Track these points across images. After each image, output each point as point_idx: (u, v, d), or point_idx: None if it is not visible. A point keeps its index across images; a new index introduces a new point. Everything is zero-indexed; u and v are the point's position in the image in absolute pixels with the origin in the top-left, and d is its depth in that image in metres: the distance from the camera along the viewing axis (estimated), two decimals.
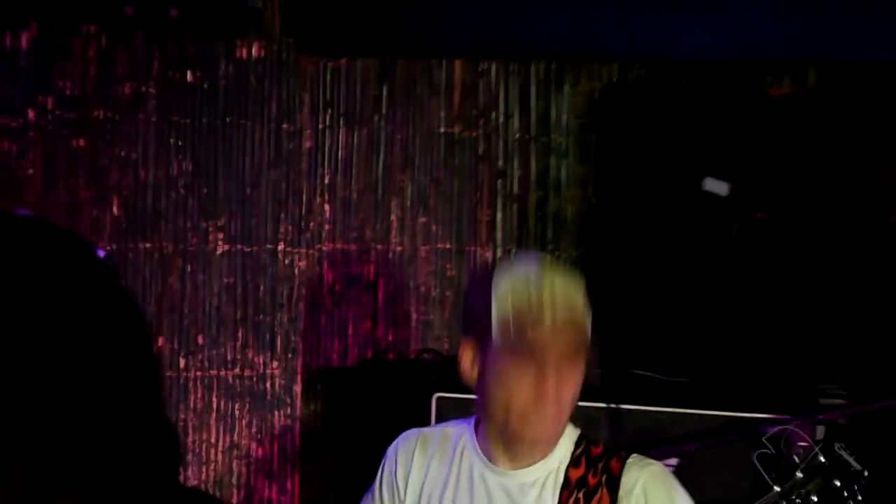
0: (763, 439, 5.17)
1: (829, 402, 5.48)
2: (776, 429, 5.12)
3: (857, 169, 6.40)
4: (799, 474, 4.27)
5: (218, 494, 6.36)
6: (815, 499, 4.23)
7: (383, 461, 4.23)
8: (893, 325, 6.51)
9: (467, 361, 3.73)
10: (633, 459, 3.86)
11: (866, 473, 4.27)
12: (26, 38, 5.70)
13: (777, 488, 4.25)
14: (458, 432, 4.06)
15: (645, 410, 5.51)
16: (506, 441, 3.79)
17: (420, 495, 4.05)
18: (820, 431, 5.25)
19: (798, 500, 4.24)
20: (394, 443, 4.23)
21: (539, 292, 3.71)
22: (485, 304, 3.68)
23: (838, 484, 4.22)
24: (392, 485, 4.12)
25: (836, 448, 4.27)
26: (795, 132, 6.27)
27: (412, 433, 4.22)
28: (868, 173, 6.41)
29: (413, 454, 4.08)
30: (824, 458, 4.27)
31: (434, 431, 4.24)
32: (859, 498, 4.24)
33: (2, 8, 5.82)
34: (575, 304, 3.69)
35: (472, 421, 3.99)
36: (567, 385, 3.61)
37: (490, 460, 3.85)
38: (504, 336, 3.62)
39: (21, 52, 5.69)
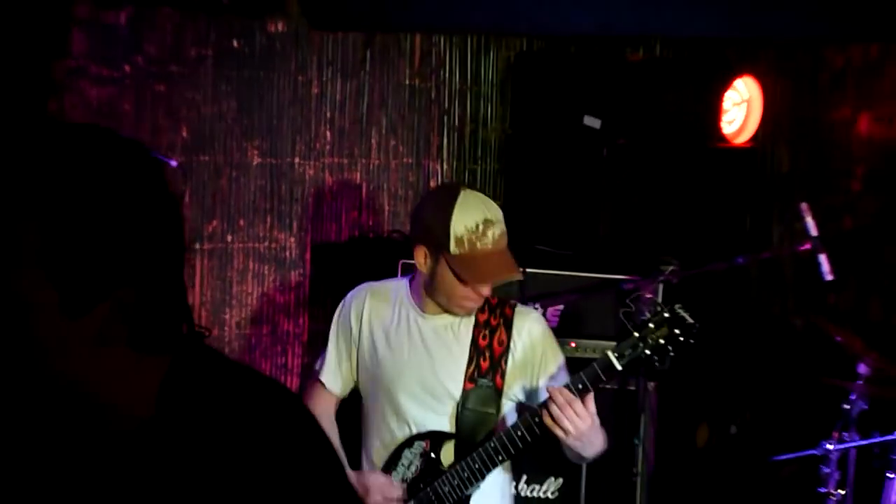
0: (627, 300, 6.06)
1: (666, 268, 6.19)
2: (630, 285, 6.10)
3: (687, 110, 7.08)
4: (651, 325, 4.79)
5: (251, 329, 7.06)
6: (662, 342, 4.74)
7: (339, 307, 5.26)
8: (708, 216, 7.32)
9: (421, 258, 4.75)
10: (520, 308, 5.07)
11: (697, 325, 4.81)
12: (124, 15, 6.24)
13: (636, 333, 4.76)
14: (397, 287, 5.12)
15: (543, 273, 6.47)
16: (438, 306, 4.88)
17: (371, 332, 5.08)
18: (660, 289, 6.20)
19: (650, 342, 4.74)
20: (349, 294, 5.22)
21: (483, 218, 4.72)
22: (442, 223, 4.70)
23: (677, 332, 4.76)
24: (347, 325, 5.17)
25: (676, 307, 4.80)
26: (645, 86, 7.14)
27: (363, 287, 5.21)
28: (694, 113, 7.07)
29: (364, 301, 5.12)
30: (668, 313, 4.77)
31: (379, 285, 5.21)
32: (692, 342, 4.80)
33: None
34: (503, 225, 4.81)
35: (408, 279, 5.12)
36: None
37: (421, 309, 4.94)
38: (458, 248, 4.67)
39: (120, 25, 6.25)
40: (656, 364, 4.81)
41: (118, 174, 2.08)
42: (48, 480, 2.28)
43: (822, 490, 6.09)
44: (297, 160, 7.03)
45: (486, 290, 4.77)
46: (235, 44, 6.71)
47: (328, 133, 7.11)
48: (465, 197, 4.76)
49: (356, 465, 5.10)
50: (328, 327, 5.78)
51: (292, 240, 7.09)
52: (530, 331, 4.93)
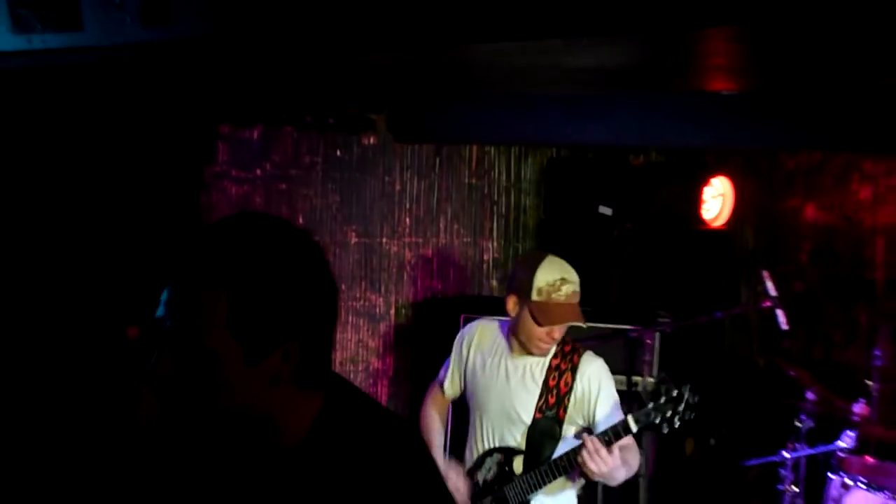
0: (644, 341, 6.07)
1: (662, 320, 6.33)
2: (635, 334, 6.03)
3: (676, 201, 7.11)
4: (663, 399, 4.78)
5: (350, 367, 6.91)
6: (669, 414, 4.71)
7: (460, 333, 5.21)
8: (693, 281, 7.28)
9: (511, 304, 4.73)
10: (587, 355, 4.93)
11: (697, 404, 4.82)
12: (256, 132, 6.30)
13: (650, 404, 4.77)
14: (500, 327, 5.02)
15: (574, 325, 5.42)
16: (522, 347, 4.80)
17: (474, 359, 5.04)
18: (657, 336, 6.28)
19: (661, 413, 4.72)
20: (465, 327, 5.24)
21: (560, 277, 4.70)
22: (528, 276, 4.67)
23: (682, 409, 4.73)
24: (460, 349, 5.12)
25: (684, 388, 4.78)
26: (644, 183, 7.17)
27: (477, 321, 5.22)
28: (682, 204, 7.09)
29: (475, 333, 5.09)
30: (676, 392, 4.75)
31: (488, 322, 5.14)
32: (692, 417, 4.80)
33: (246, 116, 6.24)
34: (576, 285, 4.76)
35: (506, 324, 4.93)
36: (563, 328, 4.70)
37: (510, 349, 4.89)
38: (538, 296, 4.65)
39: (253, 139, 6.30)
40: (663, 430, 4.77)
41: (289, 255, 2.17)
42: (223, 490, 2.38)
43: (781, 487, 6.15)
44: (384, 240, 6.99)
45: (556, 333, 4.76)
46: (338, 153, 6.72)
47: (407, 219, 7.08)
48: (550, 260, 4.77)
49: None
50: (408, 364, 5.89)
51: (381, 300, 7.02)
52: (590, 376, 4.88)
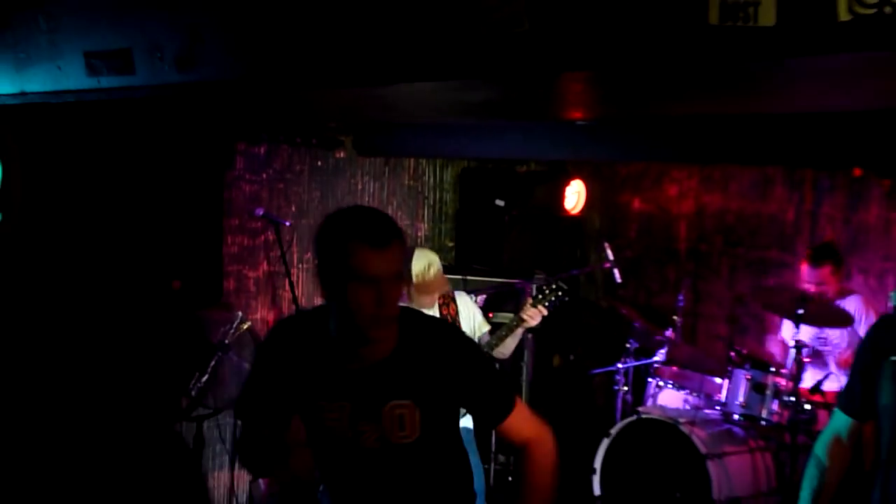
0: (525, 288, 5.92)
1: (539, 276, 6.17)
2: (519, 285, 6.00)
3: (549, 197, 6.93)
4: (548, 287, 4.77)
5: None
6: (555, 292, 4.71)
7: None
8: (560, 250, 7.22)
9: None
10: (456, 292, 4.84)
11: (566, 288, 4.78)
12: (263, 148, 6.11)
13: (544, 288, 4.78)
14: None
15: (474, 279, 6.35)
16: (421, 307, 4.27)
17: None
18: (534, 287, 5.63)
19: (549, 293, 4.71)
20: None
21: (426, 262, 4.51)
22: (406, 268, 4.26)
23: (561, 290, 4.73)
24: None
25: (559, 282, 4.79)
26: (527, 184, 7.03)
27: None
28: (552, 198, 6.88)
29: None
30: (555, 285, 4.74)
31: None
32: (566, 297, 4.77)
33: (255, 137, 6.07)
34: (438, 264, 4.56)
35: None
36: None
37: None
38: (416, 279, 4.45)
39: (260, 153, 6.11)
40: (551, 301, 4.74)
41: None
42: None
43: (616, 388, 6.12)
44: None
45: (434, 298, 4.65)
46: (319, 163, 6.57)
47: (366, 204, 6.85)
48: (417, 253, 4.58)
49: None
50: None
51: None
52: (464, 300, 4.85)
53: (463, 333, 3.02)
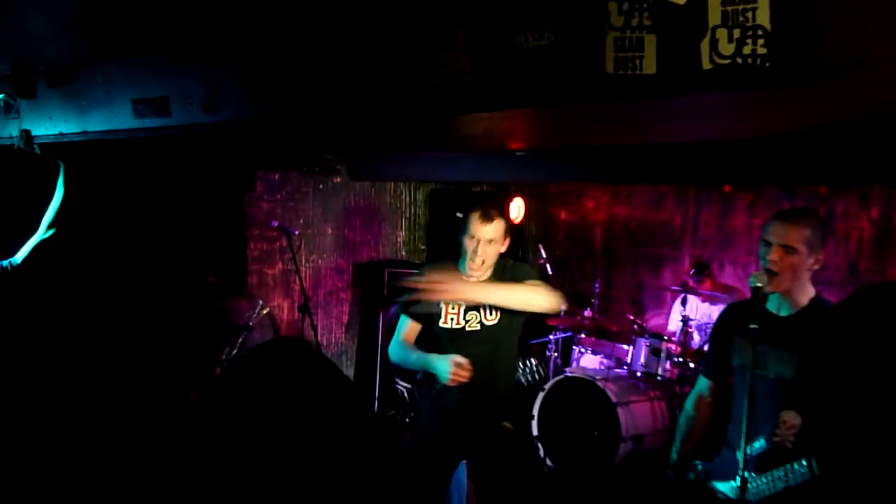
0: None
1: None
2: None
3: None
4: None
5: (333, 298, 6.42)
6: None
7: None
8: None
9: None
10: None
11: None
12: (277, 175, 6.02)
13: None
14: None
15: None
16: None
17: None
18: None
19: None
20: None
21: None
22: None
23: None
24: None
25: None
26: (482, 201, 7.62)
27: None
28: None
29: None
30: None
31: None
32: None
33: (270, 165, 5.88)
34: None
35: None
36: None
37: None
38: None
39: (275, 178, 6.01)
40: None
41: None
42: None
43: (548, 354, 6.01)
44: (346, 231, 6.68)
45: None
46: (321, 186, 6.47)
47: (358, 221, 6.76)
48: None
49: None
50: (358, 295, 5.21)
51: (345, 262, 6.69)
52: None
53: (520, 264, 3.45)
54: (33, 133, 3.71)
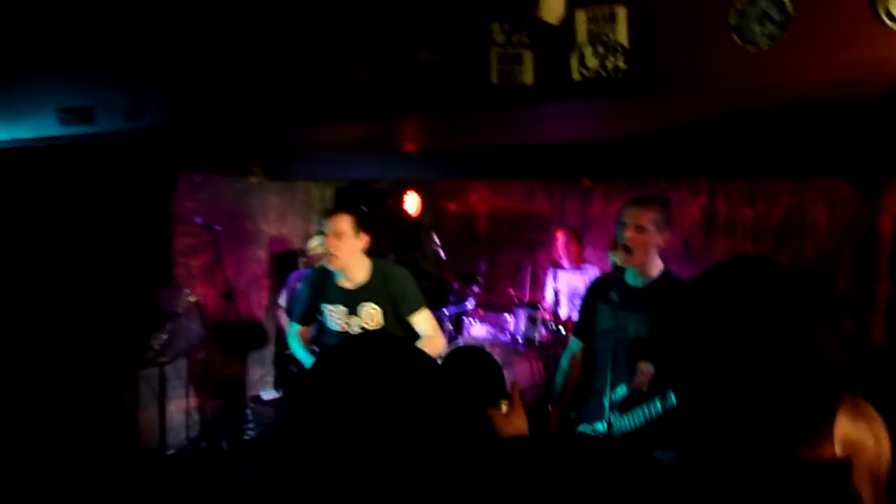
0: None
1: (390, 256, 5.99)
2: None
3: (396, 209, 7.15)
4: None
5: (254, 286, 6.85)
6: None
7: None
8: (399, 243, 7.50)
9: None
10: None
11: None
12: (198, 177, 5.65)
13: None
14: None
15: None
16: None
17: None
18: None
19: None
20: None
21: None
22: None
23: None
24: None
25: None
26: (373, 197, 6.82)
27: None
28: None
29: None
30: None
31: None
32: None
33: (193, 167, 5.56)
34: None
35: None
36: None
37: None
38: None
39: (197, 179, 5.65)
40: None
41: None
42: None
43: (443, 324, 5.90)
44: (261, 226, 6.39)
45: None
46: (239, 186, 6.17)
47: (272, 215, 6.49)
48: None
49: None
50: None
51: (261, 253, 6.41)
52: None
53: (397, 269, 3.21)
54: None
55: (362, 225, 3.09)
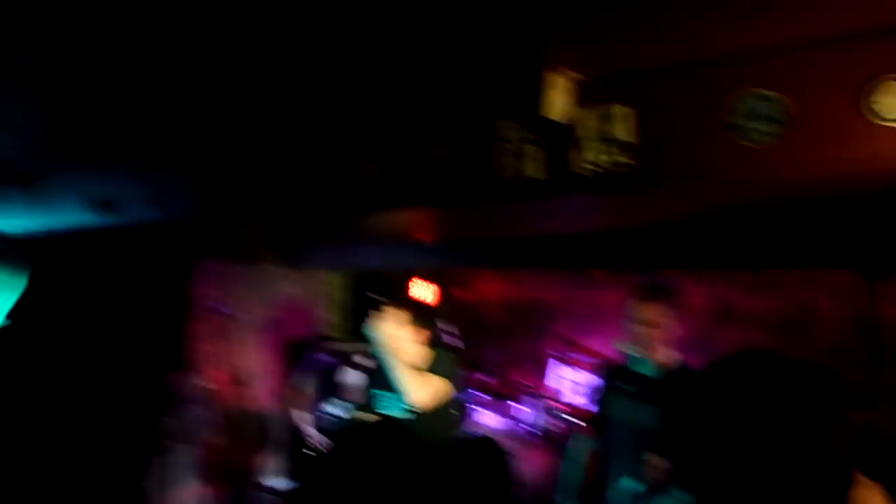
0: None
1: None
2: None
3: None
4: None
5: None
6: None
7: None
8: None
9: None
10: None
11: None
12: (216, 263, 5.61)
13: None
14: None
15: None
16: None
17: None
18: None
19: None
20: None
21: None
22: None
23: None
24: None
25: None
26: (404, 279, 7.15)
27: None
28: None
29: None
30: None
31: None
32: None
33: (210, 253, 5.57)
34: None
35: None
36: None
37: None
38: None
39: (214, 266, 5.64)
40: None
41: None
42: None
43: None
44: (280, 313, 6.34)
45: None
46: (255, 273, 6.09)
47: (289, 303, 6.42)
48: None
49: None
50: None
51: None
52: None
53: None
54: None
55: (419, 321, 3.00)
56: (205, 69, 2.12)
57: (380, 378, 2.93)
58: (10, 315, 3.10)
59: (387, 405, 2.92)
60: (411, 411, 2.81)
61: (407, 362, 2.84)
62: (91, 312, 4.64)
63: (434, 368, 2.85)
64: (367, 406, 3.03)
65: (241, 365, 5.66)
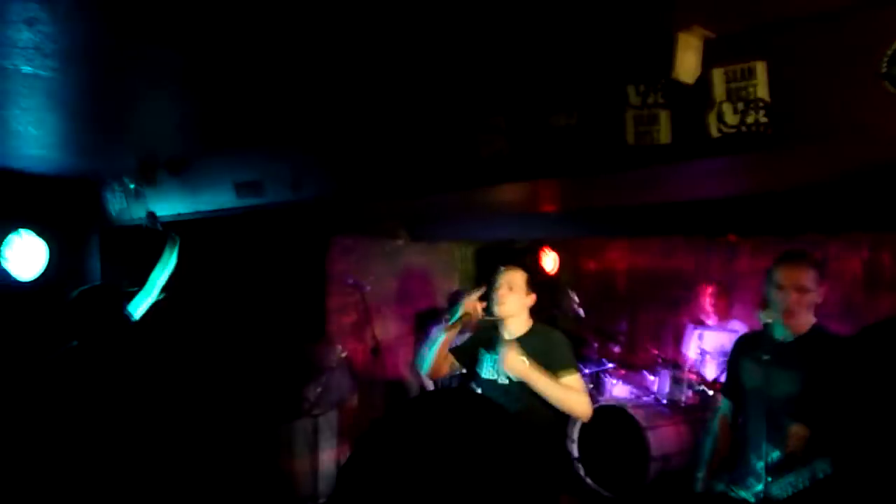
0: None
1: None
2: None
3: (534, 261, 6.71)
4: None
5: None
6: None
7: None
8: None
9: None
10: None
11: None
12: (350, 240, 5.86)
13: None
14: None
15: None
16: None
17: None
18: None
19: None
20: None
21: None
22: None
23: None
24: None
25: None
26: (523, 255, 6.80)
27: None
28: (535, 263, 6.70)
29: None
30: None
31: None
32: None
33: (346, 231, 5.83)
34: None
35: None
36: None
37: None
38: None
39: (349, 243, 5.91)
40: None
41: None
42: None
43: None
44: (410, 285, 6.58)
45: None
46: (386, 248, 6.42)
47: (418, 275, 6.67)
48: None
49: None
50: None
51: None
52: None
53: (555, 331, 3.06)
54: (157, 214, 3.80)
55: (532, 285, 3.08)
56: (334, 60, 2.18)
57: (488, 344, 2.99)
58: (165, 289, 3.44)
59: (492, 371, 2.96)
60: (509, 379, 2.82)
61: (514, 330, 2.93)
62: (238, 288, 4.96)
63: (539, 343, 2.87)
64: (473, 373, 3.06)
65: (376, 335, 5.90)
